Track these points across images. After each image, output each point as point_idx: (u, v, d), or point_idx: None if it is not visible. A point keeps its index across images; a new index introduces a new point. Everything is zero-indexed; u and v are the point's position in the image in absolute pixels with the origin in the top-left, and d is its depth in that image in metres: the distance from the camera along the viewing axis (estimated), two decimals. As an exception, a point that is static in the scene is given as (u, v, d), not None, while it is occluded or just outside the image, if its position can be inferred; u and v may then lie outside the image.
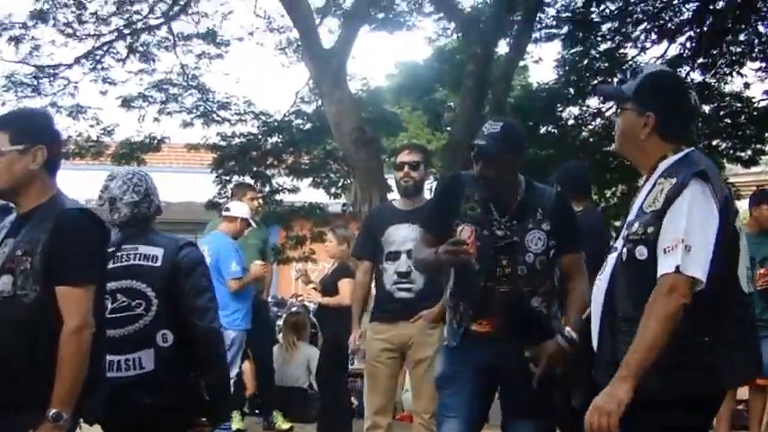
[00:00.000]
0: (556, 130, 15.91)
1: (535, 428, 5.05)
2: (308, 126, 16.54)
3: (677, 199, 3.57)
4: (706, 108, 15.84)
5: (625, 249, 3.65)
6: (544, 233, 4.91)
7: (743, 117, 15.70)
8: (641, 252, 3.58)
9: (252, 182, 14.52)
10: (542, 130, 15.99)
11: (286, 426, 10.55)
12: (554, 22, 15.81)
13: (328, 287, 9.82)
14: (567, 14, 15.62)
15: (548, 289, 5.00)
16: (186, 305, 4.77)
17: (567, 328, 4.83)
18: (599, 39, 15.74)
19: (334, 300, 9.62)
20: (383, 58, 59.29)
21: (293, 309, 13.37)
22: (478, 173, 4.90)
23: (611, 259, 3.76)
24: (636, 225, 3.63)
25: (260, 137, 16.77)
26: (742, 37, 15.12)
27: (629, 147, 3.92)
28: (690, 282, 3.51)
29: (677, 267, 3.49)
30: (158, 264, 4.80)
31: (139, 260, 4.82)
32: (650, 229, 3.56)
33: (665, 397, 3.55)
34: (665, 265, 3.52)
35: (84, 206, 4.21)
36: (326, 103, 13.16)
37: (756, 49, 15.08)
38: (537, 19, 15.31)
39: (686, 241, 3.50)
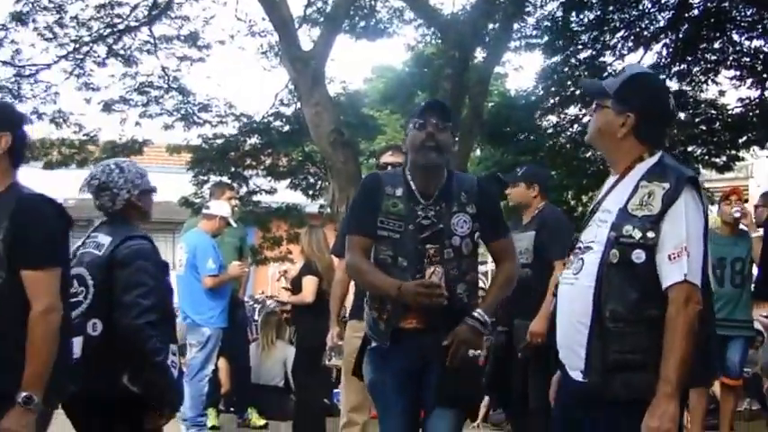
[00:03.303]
0: (534, 138, 16.00)
1: (450, 417, 4.91)
2: (287, 128, 16.67)
3: (674, 205, 3.63)
4: (682, 115, 15.98)
5: (615, 251, 3.66)
6: (469, 216, 4.87)
7: (718, 124, 15.84)
8: (638, 256, 3.62)
9: (229, 182, 14.56)
10: (521, 137, 16.11)
11: (261, 422, 10.62)
12: (534, 32, 15.95)
13: (295, 286, 9.90)
14: (546, 24, 15.75)
15: (473, 279, 4.95)
16: (114, 299, 4.70)
17: (478, 310, 4.77)
18: (579, 47, 15.87)
19: (297, 297, 9.69)
20: (361, 62, 59.08)
21: (271, 308, 13.39)
22: (430, 135, 4.83)
23: (592, 260, 3.74)
24: (628, 228, 3.64)
25: (239, 138, 16.89)
26: (717, 45, 15.24)
27: (604, 143, 3.95)
28: (698, 288, 3.62)
29: (685, 276, 3.58)
30: (100, 253, 4.78)
31: (92, 248, 4.83)
32: (650, 234, 3.61)
33: (650, 395, 3.60)
34: (673, 274, 3.60)
35: (43, 193, 4.19)
36: (305, 105, 13.22)
37: (731, 58, 15.22)
38: (517, 28, 15.48)
39: (687, 249, 3.60)
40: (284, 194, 17.27)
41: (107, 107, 16.39)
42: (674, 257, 3.59)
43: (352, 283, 6.94)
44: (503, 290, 5.00)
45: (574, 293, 3.78)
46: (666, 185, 3.65)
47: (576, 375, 3.78)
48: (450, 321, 4.77)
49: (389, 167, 6.49)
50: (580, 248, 3.84)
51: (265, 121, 16.88)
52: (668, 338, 3.56)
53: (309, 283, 9.44)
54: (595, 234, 3.77)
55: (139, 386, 4.66)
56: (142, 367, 4.65)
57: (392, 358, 4.93)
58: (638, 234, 3.61)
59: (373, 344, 5.02)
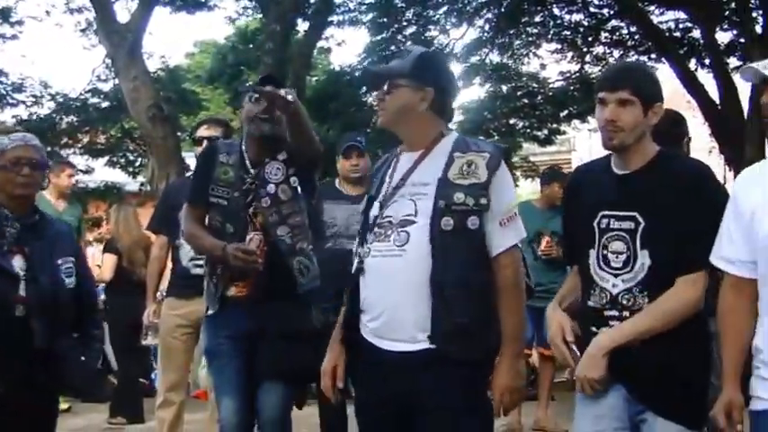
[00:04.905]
0: (360, 113, 15.99)
1: (280, 392, 4.93)
2: (105, 105, 16.31)
3: (497, 172, 3.74)
4: (504, 88, 16.21)
5: (448, 219, 3.69)
6: (281, 162, 4.95)
7: (539, 97, 16.13)
8: (473, 222, 3.69)
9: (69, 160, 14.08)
10: (346, 112, 16.09)
11: (65, 406, 10.28)
12: (358, 6, 15.92)
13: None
14: (370, 1, 15.74)
15: (296, 222, 4.99)
16: None
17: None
18: (404, 24, 15.89)
19: (95, 275, 9.49)
20: (184, 37, 58.70)
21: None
22: (265, 109, 4.88)
23: (420, 232, 3.73)
24: (459, 196, 3.70)
25: (54, 116, 16.40)
26: (538, 19, 15.47)
27: (405, 121, 3.93)
28: None
29: (520, 240, 3.80)
30: None
31: None
32: (483, 201, 3.69)
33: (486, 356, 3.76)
34: (508, 239, 3.75)
35: None
36: (122, 80, 12.89)
37: (552, 32, 15.48)
38: (340, 2, 15.45)
39: (517, 214, 3.79)
40: (103, 173, 16.94)
41: None
42: (505, 223, 3.74)
43: (170, 259, 6.89)
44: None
45: (401, 265, 3.76)
46: (486, 155, 3.77)
47: (402, 347, 3.74)
48: (282, 288, 4.84)
49: (205, 141, 6.39)
50: (389, 223, 3.83)
51: (82, 98, 16.48)
52: (511, 301, 3.76)
53: (106, 261, 9.36)
54: (413, 208, 3.79)
55: None
56: None
57: (225, 324, 4.93)
58: (471, 201, 3.69)
59: (209, 312, 5.03)
